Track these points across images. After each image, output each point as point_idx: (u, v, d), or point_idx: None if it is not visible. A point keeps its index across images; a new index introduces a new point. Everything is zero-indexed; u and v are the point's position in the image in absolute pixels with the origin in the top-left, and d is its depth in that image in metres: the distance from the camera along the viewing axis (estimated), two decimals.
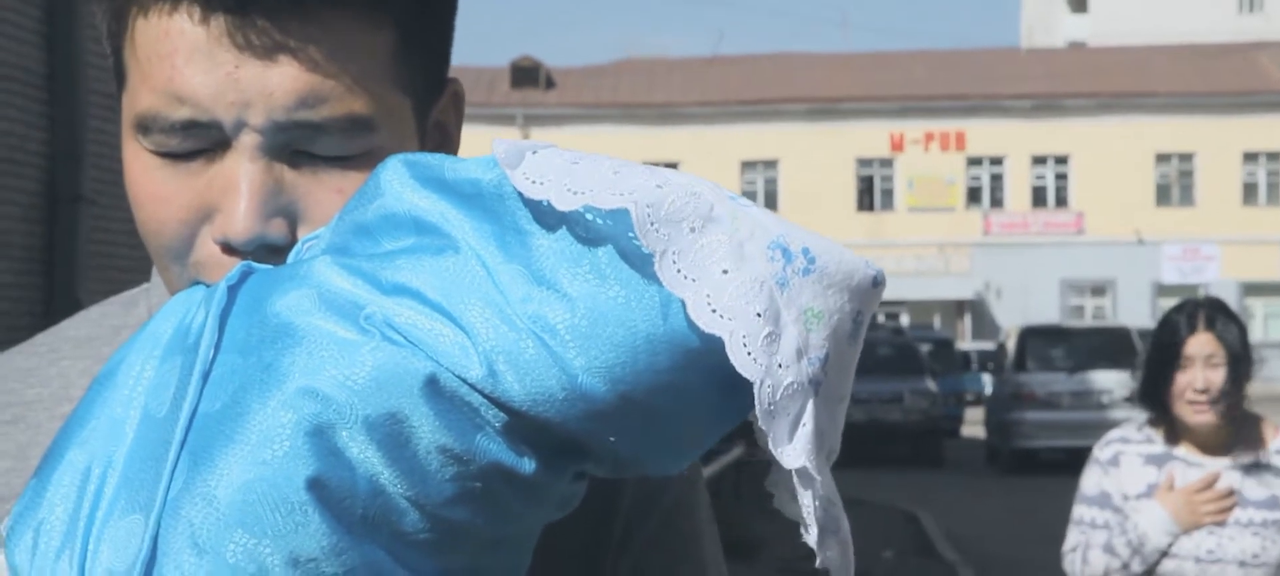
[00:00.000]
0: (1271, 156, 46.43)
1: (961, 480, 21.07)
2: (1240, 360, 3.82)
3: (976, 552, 14.03)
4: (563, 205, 0.91)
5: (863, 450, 21.84)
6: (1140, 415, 4.02)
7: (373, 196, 0.96)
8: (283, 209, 1.01)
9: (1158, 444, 3.94)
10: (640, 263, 0.91)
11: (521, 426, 0.91)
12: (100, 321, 1.19)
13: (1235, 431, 3.90)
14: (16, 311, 8.22)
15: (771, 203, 47.16)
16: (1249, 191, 46.60)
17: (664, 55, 53.21)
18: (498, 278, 0.91)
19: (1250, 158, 46.50)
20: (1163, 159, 46.66)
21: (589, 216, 0.91)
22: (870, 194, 47.34)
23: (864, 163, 47.11)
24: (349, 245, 0.95)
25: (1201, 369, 3.82)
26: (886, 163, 47.20)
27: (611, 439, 0.92)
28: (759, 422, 0.90)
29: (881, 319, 43.76)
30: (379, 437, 0.89)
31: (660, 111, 46.90)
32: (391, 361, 0.89)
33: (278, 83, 0.98)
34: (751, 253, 0.91)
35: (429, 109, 1.08)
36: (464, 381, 0.90)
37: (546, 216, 0.93)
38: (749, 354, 0.89)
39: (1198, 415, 3.84)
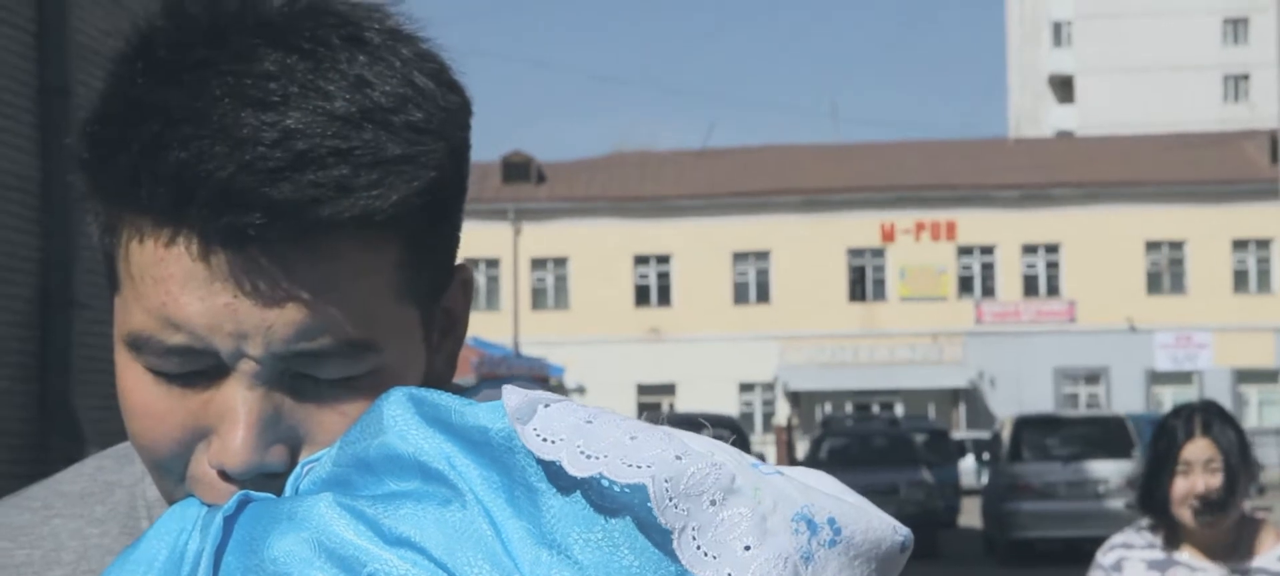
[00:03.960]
0: (1261, 244, 46.59)
1: (959, 571, 20.94)
2: (1239, 465, 3.82)
3: None
4: (576, 471, 0.88)
5: None
6: (1141, 518, 4.00)
7: (376, 431, 0.93)
8: (282, 436, 0.97)
9: (1160, 549, 3.93)
10: (657, 534, 0.88)
11: None
12: (95, 476, 1.16)
13: (1236, 536, 3.89)
14: (11, 417, 8.20)
15: (764, 294, 47.24)
16: (1239, 279, 46.72)
17: (655, 148, 53.43)
18: (505, 536, 0.88)
19: (1240, 245, 46.66)
20: (1153, 247, 46.81)
21: (604, 483, 0.88)
22: (862, 284, 47.41)
23: (855, 253, 47.22)
24: (350, 479, 0.92)
25: (1201, 474, 3.82)
26: (878, 253, 47.31)
27: None
28: None
29: (876, 409, 43.68)
30: None
31: (652, 204, 47.04)
32: None
33: (277, 316, 0.95)
34: (775, 526, 0.88)
35: (436, 304, 1.05)
36: None
37: (559, 476, 0.89)
38: None
39: (1198, 520, 3.83)
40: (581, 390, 46.33)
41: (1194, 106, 70.34)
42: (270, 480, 0.97)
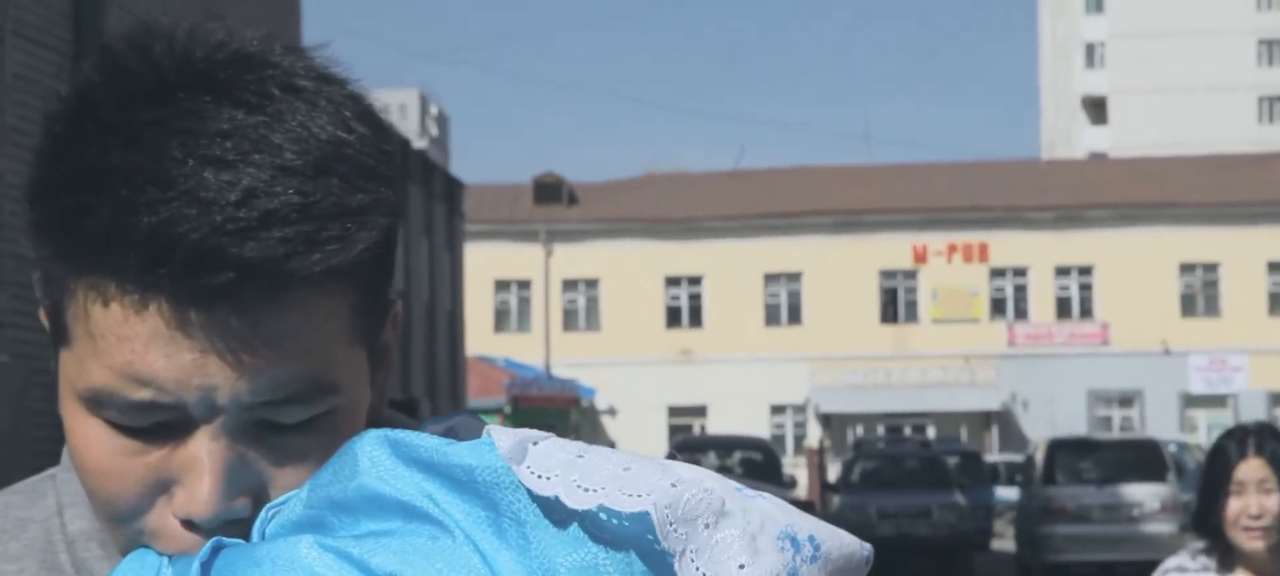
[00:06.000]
0: None
1: None
2: None
3: None
4: (574, 503, 0.91)
5: (890, 565, 21.63)
6: (1195, 542, 3.97)
7: (351, 474, 0.94)
8: (248, 483, 0.98)
9: (1214, 571, 3.89)
10: (653, 559, 0.92)
11: None
12: (4, 514, 1.13)
13: None
14: (43, 437, 8.22)
15: (795, 315, 47.19)
16: (1275, 301, 46.47)
17: (686, 170, 53.47)
18: (495, 565, 0.91)
19: (1275, 267, 46.41)
20: (1187, 269, 46.59)
21: (603, 516, 0.91)
22: (894, 306, 47.32)
23: (887, 275, 47.14)
24: (325, 521, 0.93)
25: (1254, 494, 3.78)
26: (910, 274, 47.22)
27: None
28: None
29: (908, 431, 43.55)
30: None
31: (683, 226, 47.06)
32: None
33: (245, 369, 0.96)
34: (763, 545, 0.92)
35: (378, 340, 1.06)
36: None
37: (552, 510, 0.92)
38: None
39: (1253, 541, 3.79)
40: (612, 411, 46.34)
41: (1228, 128, 70.05)
42: (234, 526, 0.98)
